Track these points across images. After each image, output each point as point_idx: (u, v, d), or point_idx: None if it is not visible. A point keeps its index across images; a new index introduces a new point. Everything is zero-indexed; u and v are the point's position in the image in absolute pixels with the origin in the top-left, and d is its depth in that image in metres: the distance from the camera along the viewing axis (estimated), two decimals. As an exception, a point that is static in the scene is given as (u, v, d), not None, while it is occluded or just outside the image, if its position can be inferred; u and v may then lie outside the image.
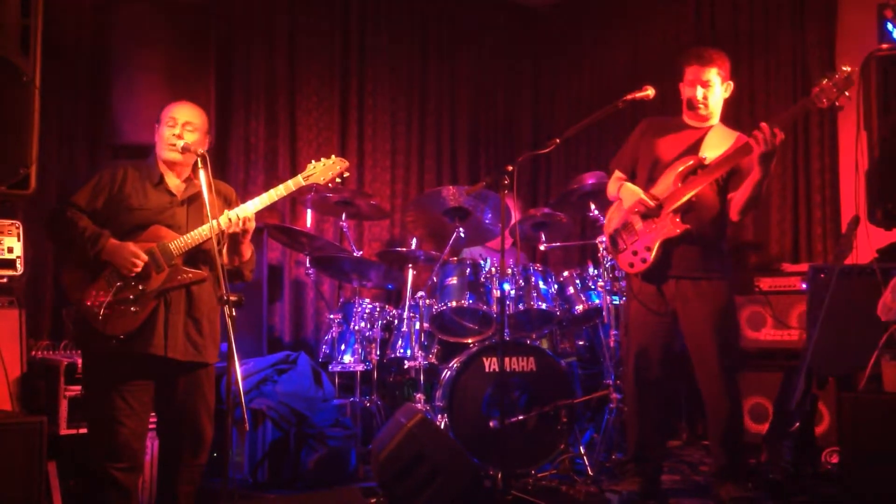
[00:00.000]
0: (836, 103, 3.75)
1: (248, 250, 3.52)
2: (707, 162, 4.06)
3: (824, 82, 3.76)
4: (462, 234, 5.21)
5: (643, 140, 4.31)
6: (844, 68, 3.74)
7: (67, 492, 3.93)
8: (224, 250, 3.47)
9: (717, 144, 4.12)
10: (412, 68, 6.77)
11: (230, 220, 3.35)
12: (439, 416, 4.71)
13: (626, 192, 4.21)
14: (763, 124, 3.83)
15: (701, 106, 4.14)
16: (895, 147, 4.10)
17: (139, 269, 3.28)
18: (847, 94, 3.73)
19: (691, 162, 4.09)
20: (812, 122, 5.65)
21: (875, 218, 4.21)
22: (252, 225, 3.41)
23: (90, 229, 3.32)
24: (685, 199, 4.04)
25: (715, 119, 4.22)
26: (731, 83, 4.20)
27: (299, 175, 3.51)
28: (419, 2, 6.79)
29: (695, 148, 4.14)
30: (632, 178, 4.31)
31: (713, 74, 4.11)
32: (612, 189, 4.39)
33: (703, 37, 6.23)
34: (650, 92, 4.14)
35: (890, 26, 4.21)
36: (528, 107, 7.42)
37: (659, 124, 4.33)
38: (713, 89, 4.13)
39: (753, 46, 5.97)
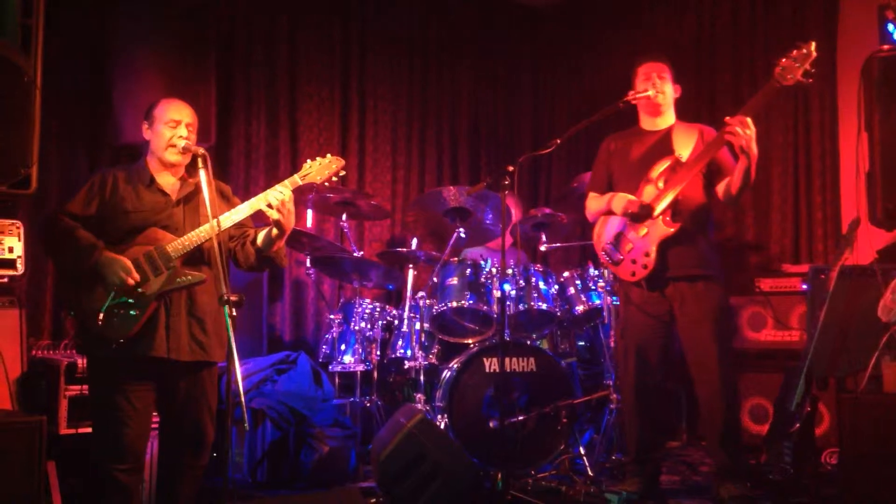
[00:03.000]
0: (802, 78, 3.82)
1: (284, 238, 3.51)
2: (683, 160, 4.10)
3: (783, 60, 3.86)
4: (462, 235, 5.20)
5: (612, 157, 4.41)
6: (801, 43, 3.83)
7: (67, 491, 3.93)
8: (261, 237, 3.45)
9: (685, 141, 4.22)
10: (413, 69, 6.77)
11: (270, 205, 3.32)
12: (439, 416, 4.71)
13: (616, 201, 4.24)
14: (728, 120, 3.92)
15: (660, 94, 4.25)
16: (896, 148, 4.11)
17: (131, 285, 3.27)
18: (809, 67, 3.80)
19: (669, 162, 4.14)
20: (813, 123, 5.66)
21: (876, 219, 4.21)
22: (291, 206, 3.37)
23: (84, 241, 3.29)
24: (671, 198, 4.07)
25: (671, 117, 4.33)
26: (679, 87, 4.37)
27: (295, 175, 3.49)
28: (420, 1, 6.79)
29: (667, 148, 4.20)
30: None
31: (665, 70, 4.30)
32: (592, 207, 4.44)
33: (702, 38, 6.24)
34: (651, 92, 4.19)
35: (891, 27, 4.21)
36: (528, 107, 7.42)
37: (621, 137, 4.43)
38: (667, 82, 4.29)
39: (754, 49, 5.97)
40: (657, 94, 4.25)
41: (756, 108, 3.96)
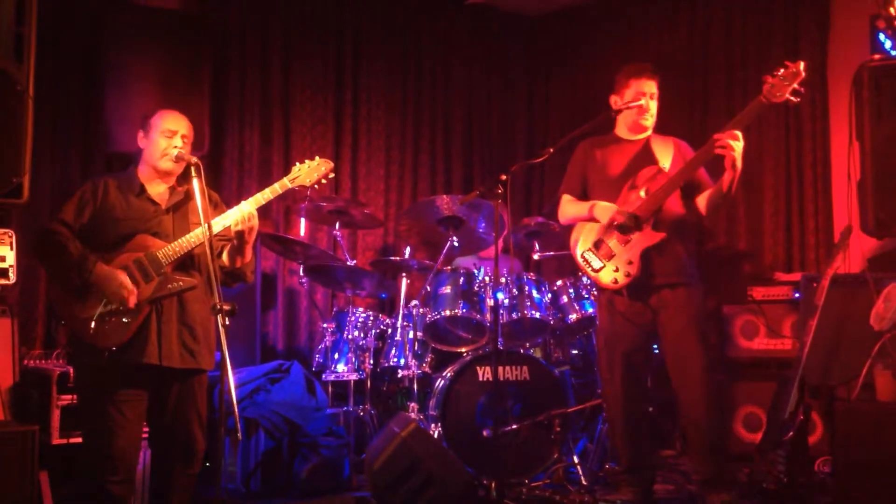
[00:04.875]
0: (790, 97, 3.84)
1: (249, 251, 3.51)
2: (666, 170, 4.12)
3: (770, 78, 3.88)
4: (456, 243, 5.21)
5: (588, 161, 4.40)
6: (789, 63, 3.85)
7: (59, 502, 3.91)
8: (225, 253, 3.47)
9: (664, 152, 4.25)
10: (406, 77, 6.78)
11: (238, 219, 3.34)
12: (433, 425, 4.70)
13: (599, 210, 4.22)
14: (717, 136, 3.95)
15: (649, 117, 4.27)
16: (887, 157, 4.13)
17: (132, 305, 3.26)
18: (797, 86, 3.82)
19: (653, 171, 4.15)
20: (805, 132, 5.67)
21: (867, 227, 4.23)
22: (256, 221, 3.40)
23: (77, 254, 3.28)
24: (657, 206, 4.10)
25: (650, 129, 4.34)
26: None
27: (285, 178, 3.50)
28: (413, 10, 6.80)
29: (649, 158, 4.23)
30: (582, 199, 4.38)
31: (655, 88, 4.29)
32: (568, 212, 4.41)
33: (695, 47, 6.26)
34: (643, 101, 4.19)
35: (882, 37, 4.24)
36: (522, 115, 7.42)
37: (598, 143, 4.42)
38: (655, 101, 4.30)
39: (746, 57, 5.99)
40: (647, 117, 4.27)
41: (744, 122, 4.00)
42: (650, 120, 4.29)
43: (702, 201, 4.20)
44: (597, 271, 4.23)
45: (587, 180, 4.39)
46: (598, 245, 4.23)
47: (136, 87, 4.95)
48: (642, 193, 4.14)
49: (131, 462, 3.36)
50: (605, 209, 4.20)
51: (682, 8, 6.37)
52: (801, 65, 3.82)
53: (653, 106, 4.28)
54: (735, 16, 6.08)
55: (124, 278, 3.26)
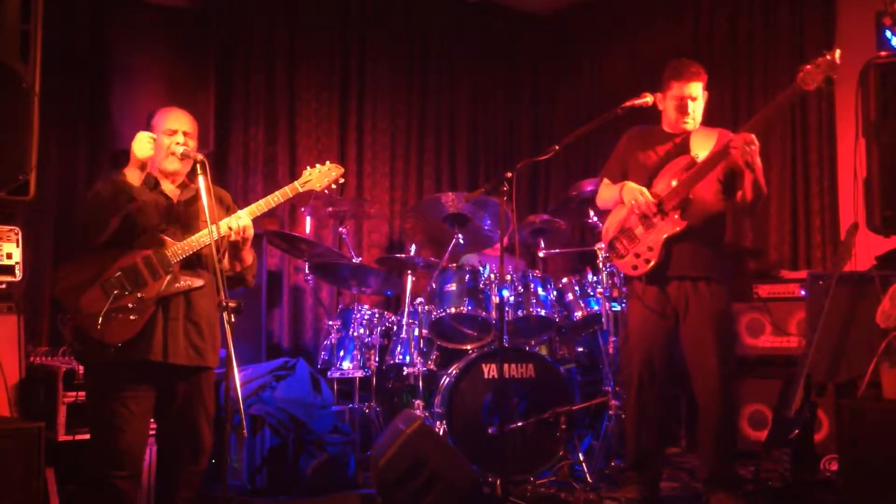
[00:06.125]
0: (823, 85, 3.86)
1: (249, 256, 3.52)
2: (699, 160, 4.11)
3: (808, 67, 3.87)
4: (461, 241, 5.21)
5: (629, 150, 4.39)
6: (827, 52, 3.85)
7: (65, 498, 3.92)
8: (224, 257, 3.47)
9: (703, 144, 4.21)
10: (411, 74, 6.78)
11: (230, 228, 3.35)
12: (438, 422, 4.71)
13: (626, 191, 4.23)
14: (733, 142, 3.94)
15: (690, 120, 4.24)
16: (894, 154, 4.11)
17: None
18: (832, 76, 3.84)
19: (684, 161, 4.14)
20: (811, 128, 5.67)
21: (874, 225, 4.21)
22: (251, 232, 3.41)
23: (99, 193, 3.28)
24: (682, 195, 4.09)
25: (697, 125, 4.31)
26: (708, 93, 4.32)
27: (296, 182, 3.51)
28: (418, 9, 6.80)
29: (684, 148, 4.21)
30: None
31: (699, 88, 4.24)
32: (605, 195, 4.43)
33: (700, 45, 6.25)
34: (649, 99, 4.19)
35: (888, 34, 4.22)
36: (527, 113, 7.43)
37: (643, 134, 4.41)
38: (699, 101, 4.26)
39: (752, 54, 5.98)
40: (687, 120, 4.23)
41: (781, 111, 3.99)
42: (691, 123, 4.25)
43: (742, 200, 4.18)
44: (621, 258, 4.24)
45: (627, 169, 4.38)
46: (624, 232, 4.25)
47: (141, 85, 4.96)
48: (673, 183, 4.14)
49: (137, 457, 3.36)
50: (630, 190, 4.20)
51: (688, 6, 6.36)
52: (837, 53, 3.82)
53: (692, 107, 4.22)
54: (740, 14, 6.07)
55: (138, 137, 3.29)
